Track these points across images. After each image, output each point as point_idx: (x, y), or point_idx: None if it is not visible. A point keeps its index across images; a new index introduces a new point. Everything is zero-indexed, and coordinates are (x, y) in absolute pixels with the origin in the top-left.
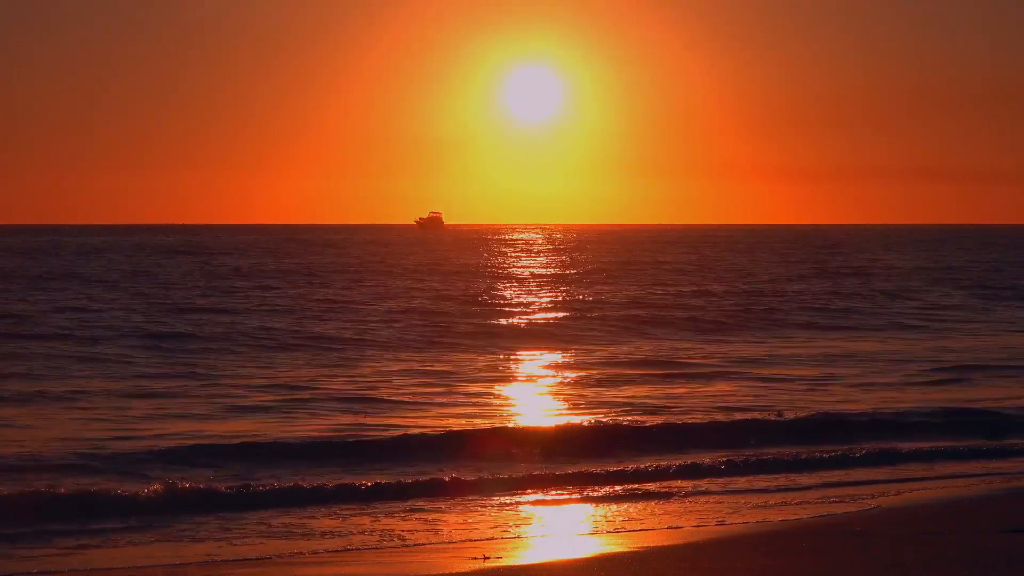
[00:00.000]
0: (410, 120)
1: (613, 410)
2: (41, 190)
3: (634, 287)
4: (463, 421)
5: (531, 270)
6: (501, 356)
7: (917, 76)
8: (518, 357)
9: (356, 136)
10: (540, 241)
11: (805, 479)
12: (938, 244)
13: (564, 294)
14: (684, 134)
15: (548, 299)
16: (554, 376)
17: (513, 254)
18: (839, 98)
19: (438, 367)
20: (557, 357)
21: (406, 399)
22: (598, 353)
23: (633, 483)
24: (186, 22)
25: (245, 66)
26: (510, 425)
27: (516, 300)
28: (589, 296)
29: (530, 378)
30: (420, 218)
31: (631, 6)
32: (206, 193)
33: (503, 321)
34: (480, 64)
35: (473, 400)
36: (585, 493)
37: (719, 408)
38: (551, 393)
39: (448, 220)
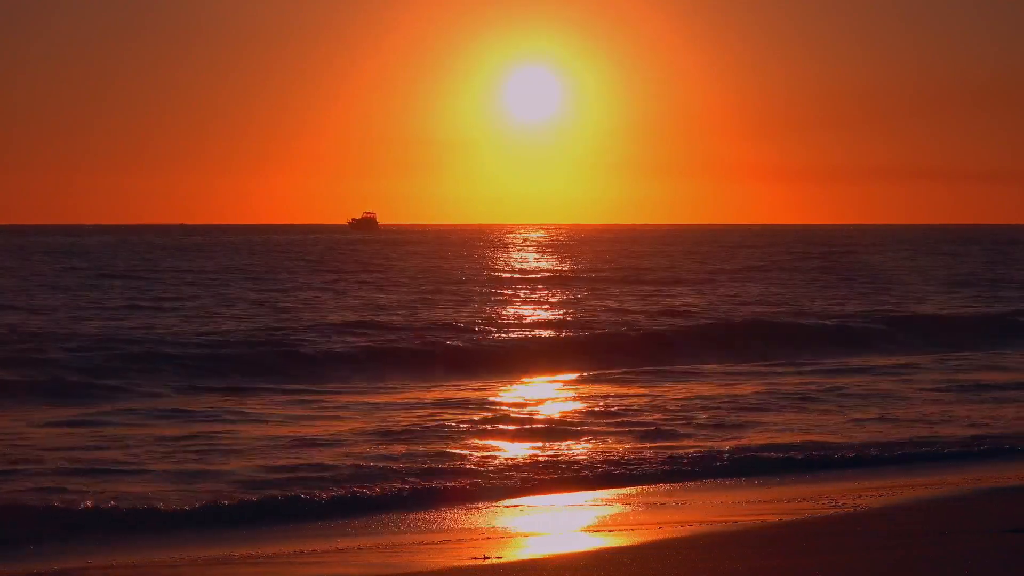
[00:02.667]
0: (411, 121)
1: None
2: (41, 190)
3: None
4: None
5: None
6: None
7: (917, 76)
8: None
9: (356, 137)
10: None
11: (800, 481)
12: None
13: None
14: (684, 134)
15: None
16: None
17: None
18: (839, 98)
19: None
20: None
21: None
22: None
23: (633, 484)
24: (186, 22)
25: (245, 66)
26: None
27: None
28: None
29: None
30: (353, 218)
31: (631, 6)
32: (206, 193)
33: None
34: (480, 64)
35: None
36: (584, 493)
37: None
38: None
39: (452, 220)
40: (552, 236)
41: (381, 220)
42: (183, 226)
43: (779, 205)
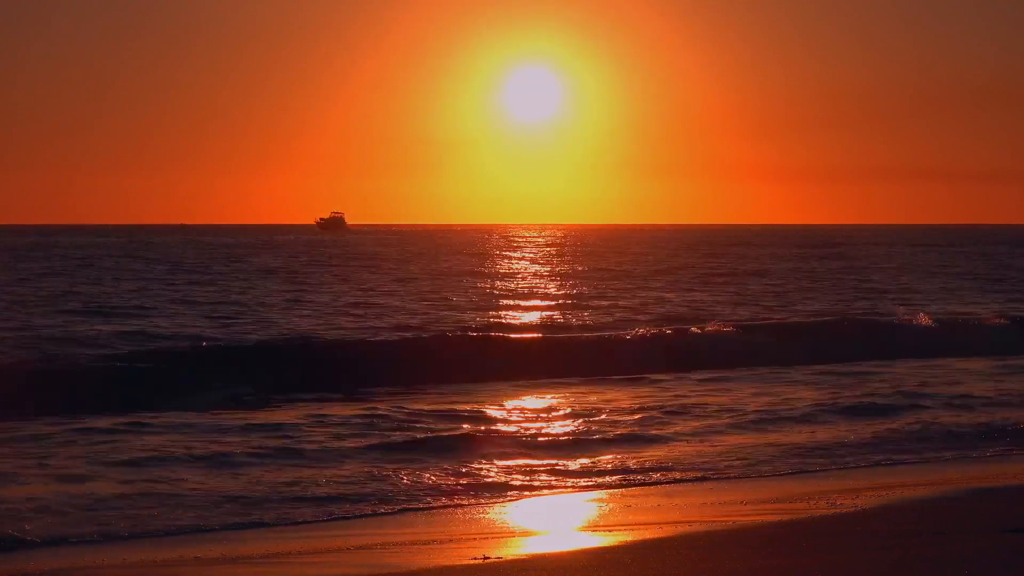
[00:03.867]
0: (411, 121)
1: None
2: (41, 190)
3: None
4: None
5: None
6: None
7: (917, 76)
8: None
9: (356, 137)
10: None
11: (800, 481)
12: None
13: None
14: (684, 134)
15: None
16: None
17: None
18: (839, 98)
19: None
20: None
21: None
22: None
23: (632, 486)
24: (186, 22)
25: (245, 66)
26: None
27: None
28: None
29: None
30: (321, 218)
31: (631, 6)
32: (206, 193)
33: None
34: (480, 64)
35: None
36: (583, 493)
37: None
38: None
39: (452, 220)
40: (553, 237)
41: (383, 220)
42: (183, 226)
43: (779, 205)
